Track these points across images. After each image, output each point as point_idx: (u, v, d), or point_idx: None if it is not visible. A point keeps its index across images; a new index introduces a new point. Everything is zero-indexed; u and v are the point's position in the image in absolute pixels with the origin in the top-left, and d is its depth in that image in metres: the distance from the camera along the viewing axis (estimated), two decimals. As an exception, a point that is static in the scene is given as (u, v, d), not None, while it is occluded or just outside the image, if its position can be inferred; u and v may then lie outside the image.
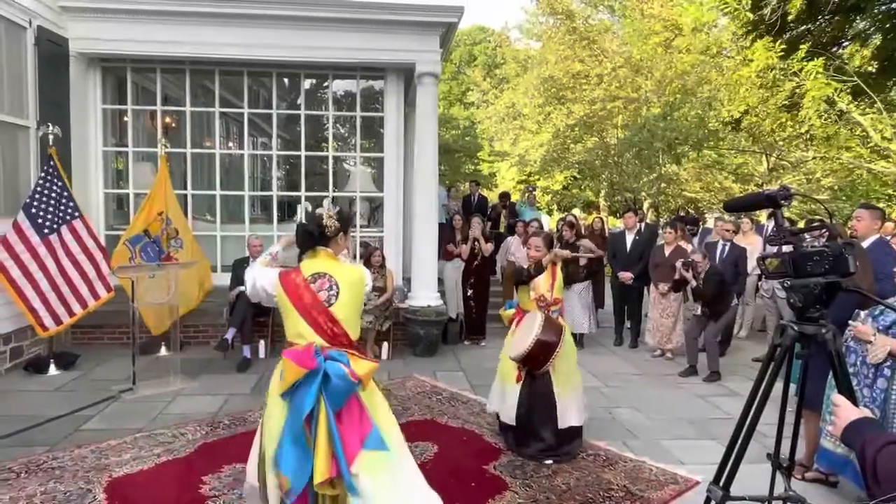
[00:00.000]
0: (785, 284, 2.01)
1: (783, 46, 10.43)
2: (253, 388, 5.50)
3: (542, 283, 4.18)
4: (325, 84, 8.45)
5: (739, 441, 2.15)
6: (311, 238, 2.56)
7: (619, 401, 5.34)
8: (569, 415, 3.99)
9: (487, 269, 7.91)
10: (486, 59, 29.05)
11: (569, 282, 4.35)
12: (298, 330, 2.41)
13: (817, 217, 11.49)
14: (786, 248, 2.13)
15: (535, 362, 3.89)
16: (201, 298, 6.82)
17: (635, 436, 4.50)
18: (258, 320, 6.48)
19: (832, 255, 1.89)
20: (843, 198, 14.92)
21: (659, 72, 13.74)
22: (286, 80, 8.33)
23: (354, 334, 2.49)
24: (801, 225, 8.36)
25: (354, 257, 3.13)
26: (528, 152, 18.40)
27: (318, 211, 2.58)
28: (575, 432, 4.07)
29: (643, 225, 8.31)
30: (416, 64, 7.13)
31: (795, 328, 2.05)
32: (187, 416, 4.68)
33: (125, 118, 7.65)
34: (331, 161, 8.27)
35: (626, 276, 7.42)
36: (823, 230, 4.49)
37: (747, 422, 2.15)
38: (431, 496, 2.47)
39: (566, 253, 4.29)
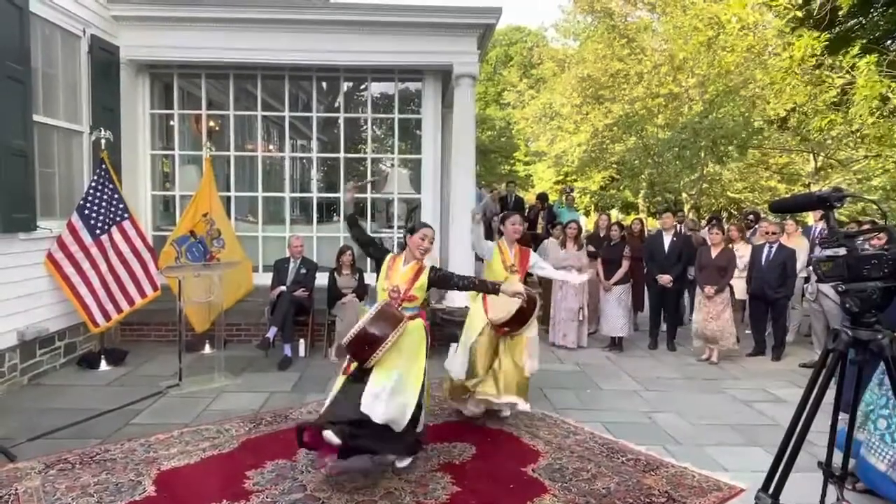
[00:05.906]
0: (839, 288, 1.94)
1: (828, 37, 10.06)
2: (294, 385, 5.60)
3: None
4: (364, 87, 8.55)
5: (790, 448, 2.09)
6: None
7: (659, 405, 5.25)
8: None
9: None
10: (522, 60, 28.86)
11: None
12: None
13: (866, 219, 11.06)
14: (830, 252, 2.05)
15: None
16: (238, 298, 6.92)
17: (677, 441, 4.42)
18: (298, 320, 6.57)
19: (892, 259, 1.82)
20: (895, 198, 14.31)
21: (701, 70, 13.44)
22: (325, 83, 8.46)
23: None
24: (848, 227, 8.04)
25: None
26: (566, 152, 18.21)
27: None
28: None
29: (681, 226, 8.13)
30: (454, 65, 7.15)
31: (849, 333, 1.98)
32: (231, 412, 4.79)
33: (171, 122, 7.89)
34: (369, 163, 8.36)
35: (666, 279, 7.22)
36: (879, 233, 4.32)
37: (798, 428, 2.09)
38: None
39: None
